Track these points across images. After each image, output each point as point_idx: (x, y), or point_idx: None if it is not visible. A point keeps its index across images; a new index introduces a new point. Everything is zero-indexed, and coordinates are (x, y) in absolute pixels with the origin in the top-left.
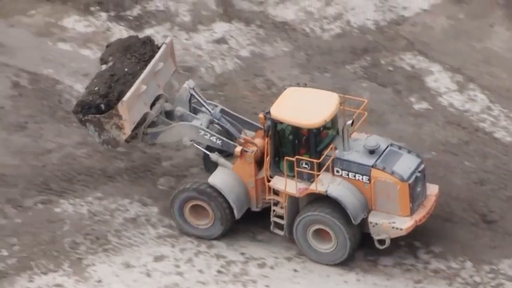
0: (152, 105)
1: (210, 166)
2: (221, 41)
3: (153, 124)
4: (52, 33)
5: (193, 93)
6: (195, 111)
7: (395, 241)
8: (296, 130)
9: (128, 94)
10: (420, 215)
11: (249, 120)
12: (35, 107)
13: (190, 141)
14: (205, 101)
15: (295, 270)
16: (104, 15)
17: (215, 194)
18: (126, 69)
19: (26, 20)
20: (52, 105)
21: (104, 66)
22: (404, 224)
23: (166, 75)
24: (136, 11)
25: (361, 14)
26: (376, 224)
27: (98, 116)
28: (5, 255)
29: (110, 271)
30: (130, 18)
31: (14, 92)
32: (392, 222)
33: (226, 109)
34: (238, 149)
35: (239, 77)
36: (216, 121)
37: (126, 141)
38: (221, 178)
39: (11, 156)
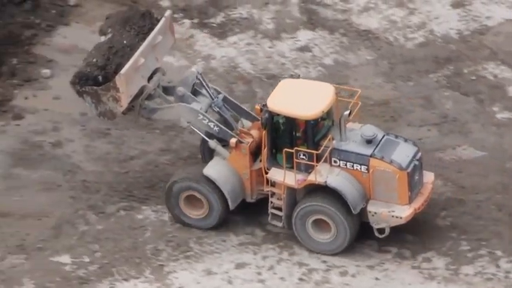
0: (150, 78)
1: (207, 156)
2: (305, 49)
3: (150, 97)
4: None
5: (200, 79)
6: (195, 93)
7: (475, 249)
8: (293, 122)
9: (126, 67)
10: (418, 203)
11: (249, 111)
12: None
13: (187, 123)
14: (209, 87)
15: (377, 279)
16: (187, 22)
17: (210, 185)
18: (124, 42)
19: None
20: None
21: (102, 38)
22: (404, 212)
23: (165, 49)
24: (219, 18)
25: (444, 24)
26: (376, 213)
27: (95, 88)
28: (86, 261)
29: (191, 278)
30: (214, 25)
31: None
32: (392, 211)
33: (228, 97)
34: (233, 140)
35: None
36: (217, 109)
37: (123, 113)
38: (216, 169)
39: (93, 162)
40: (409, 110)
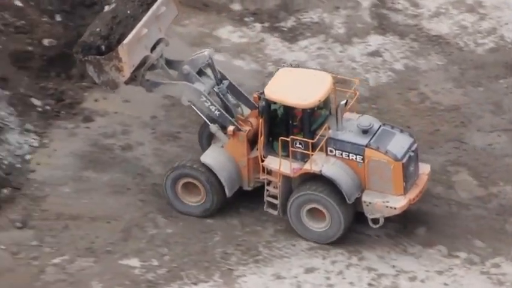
0: (153, 48)
1: (205, 143)
2: (375, 53)
3: (152, 67)
4: (206, 43)
5: (210, 62)
6: (200, 73)
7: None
8: (290, 110)
9: (129, 37)
10: (413, 194)
11: (251, 99)
12: (187, 117)
13: (189, 102)
14: (217, 71)
15: (446, 284)
16: (258, 26)
17: (207, 172)
18: (128, 12)
19: (180, 30)
20: None
21: (106, 7)
22: (398, 203)
23: (168, 20)
24: (290, 22)
25: None
26: (370, 203)
27: (97, 57)
28: (155, 265)
29: (261, 282)
30: (285, 29)
31: (167, 101)
32: (386, 201)
33: (233, 84)
34: (231, 127)
35: (392, 90)
36: (221, 95)
37: (125, 83)
38: (213, 156)
39: (162, 166)
40: (479, 115)
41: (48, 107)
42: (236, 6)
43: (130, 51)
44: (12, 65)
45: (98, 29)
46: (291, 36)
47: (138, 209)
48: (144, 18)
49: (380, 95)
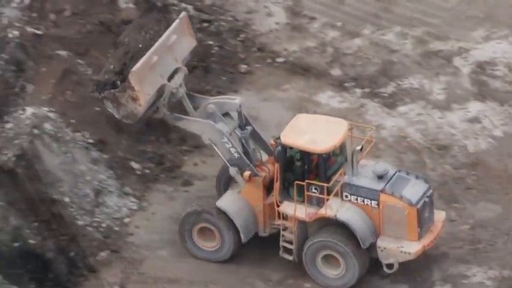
0: (171, 78)
1: (222, 187)
2: (474, 120)
3: (172, 96)
4: (305, 108)
5: (239, 111)
6: (224, 114)
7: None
8: (306, 155)
9: (138, 64)
10: (428, 239)
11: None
12: None
13: (209, 140)
14: (244, 117)
15: None
16: (358, 91)
17: (223, 218)
18: (140, 46)
19: (280, 95)
20: None
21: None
22: (413, 248)
23: (184, 50)
24: (390, 88)
25: None
26: (385, 248)
27: (112, 91)
28: None
29: None
30: (385, 95)
31: None
32: (401, 246)
33: (256, 130)
34: (247, 173)
35: (492, 157)
36: (243, 141)
37: (149, 117)
38: (229, 201)
39: None
40: None
41: (147, 171)
42: (336, 72)
43: (143, 79)
44: (112, 128)
45: (111, 66)
46: (391, 102)
47: (235, 273)
48: (154, 47)
49: (479, 162)
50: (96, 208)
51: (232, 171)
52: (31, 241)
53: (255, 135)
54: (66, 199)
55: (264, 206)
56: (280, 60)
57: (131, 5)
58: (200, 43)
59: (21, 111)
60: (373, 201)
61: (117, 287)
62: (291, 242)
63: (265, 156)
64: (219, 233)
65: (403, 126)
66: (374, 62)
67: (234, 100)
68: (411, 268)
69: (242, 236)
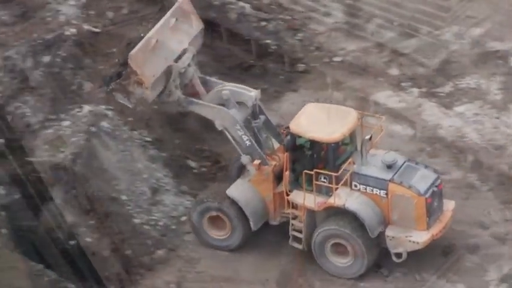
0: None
1: (235, 175)
2: None
3: (184, 77)
4: (362, 107)
5: (256, 103)
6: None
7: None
8: (315, 145)
9: (136, 48)
10: (437, 229)
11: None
12: None
13: (222, 127)
14: (259, 108)
15: None
16: (415, 91)
17: (233, 206)
18: (142, 35)
19: (337, 95)
20: None
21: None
22: (421, 237)
23: (190, 32)
24: (448, 88)
25: None
26: (393, 237)
27: (118, 80)
28: None
29: None
30: (442, 95)
31: None
32: (409, 236)
33: (268, 119)
34: (256, 161)
35: None
36: (256, 130)
37: (162, 101)
38: (239, 190)
39: None
40: None
41: (204, 169)
42: (394, 71)
43: (144, 62)
44: (169, 126)
45: (116, 60)
46: (448, 101)
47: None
48: (152, 31)
49: None
50: (153, 206)
51: (244, 159)
52: (87, 239)
53: (268, 124)
54: (123, 197)
55: (274, 194)
56: (338, 59)
57: None
58: (258, 42)
59: (78, 109)
60: (381, 191)
61: (173, 285)
62: (300, 231)
63: (277, 145)
64: (229, 221)
65: (460, 126)
66: (431, 62)
67: (250, 92)
68: (466, 267)
69: (252, 224)
